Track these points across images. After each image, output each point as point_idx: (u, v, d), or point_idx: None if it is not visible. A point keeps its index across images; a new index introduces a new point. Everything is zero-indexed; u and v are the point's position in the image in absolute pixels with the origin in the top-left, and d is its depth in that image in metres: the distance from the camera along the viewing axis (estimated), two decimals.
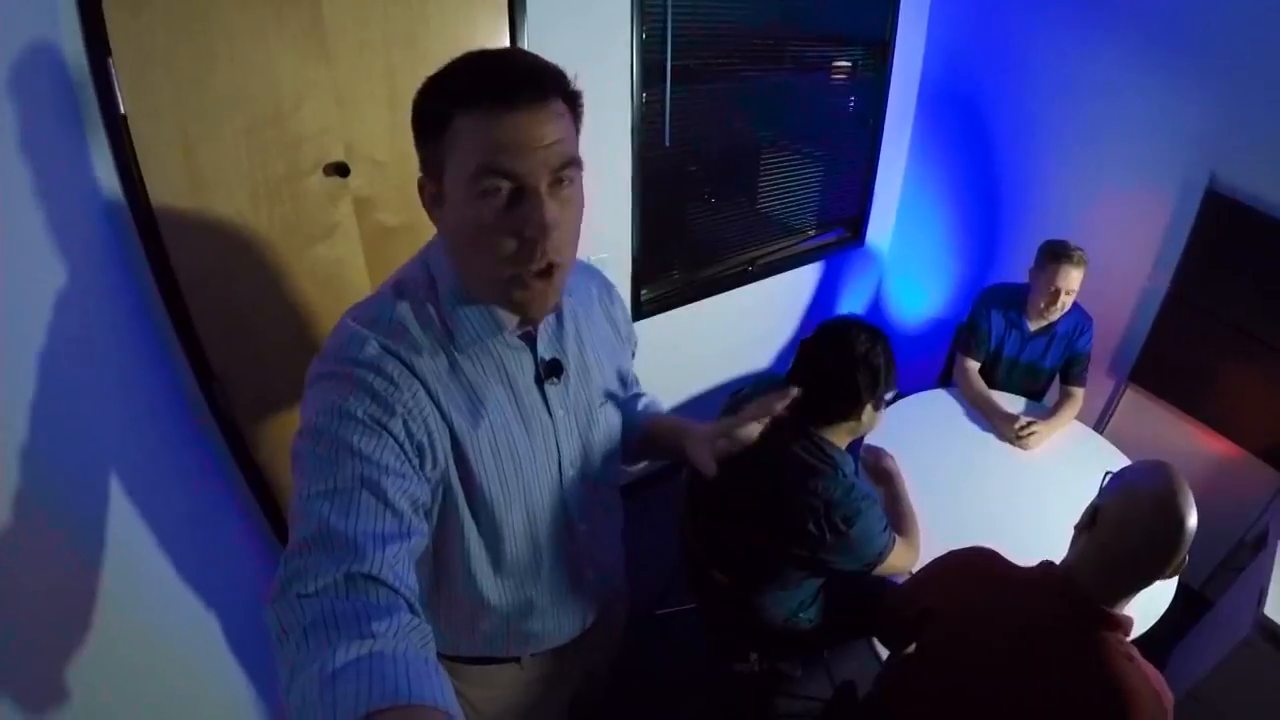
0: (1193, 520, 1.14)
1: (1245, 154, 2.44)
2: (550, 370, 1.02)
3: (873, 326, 1.59)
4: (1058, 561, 1.32)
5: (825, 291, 3.50)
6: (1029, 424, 2.43)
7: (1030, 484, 2.31)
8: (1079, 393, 2.62)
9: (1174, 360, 2.84)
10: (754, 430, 1.08)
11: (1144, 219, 2.76)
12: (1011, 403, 2.64)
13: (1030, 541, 2.04)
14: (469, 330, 0.94)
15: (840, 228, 3.41)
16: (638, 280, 2.62)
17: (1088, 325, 2.62)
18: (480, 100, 0.78)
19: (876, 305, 3.88)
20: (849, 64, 3.00)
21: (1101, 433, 2.75)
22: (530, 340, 1.00)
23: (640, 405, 1.32)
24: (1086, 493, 2.21)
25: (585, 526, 1.15)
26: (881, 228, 3.61)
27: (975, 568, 1.40)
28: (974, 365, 2.68)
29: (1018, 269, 2.69)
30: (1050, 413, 2.55)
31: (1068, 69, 2.82)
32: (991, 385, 2.68)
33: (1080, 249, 2.45)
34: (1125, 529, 1.18)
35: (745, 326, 3.23)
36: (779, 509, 1.60)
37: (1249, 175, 2.44)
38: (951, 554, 1.47)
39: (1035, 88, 2.94)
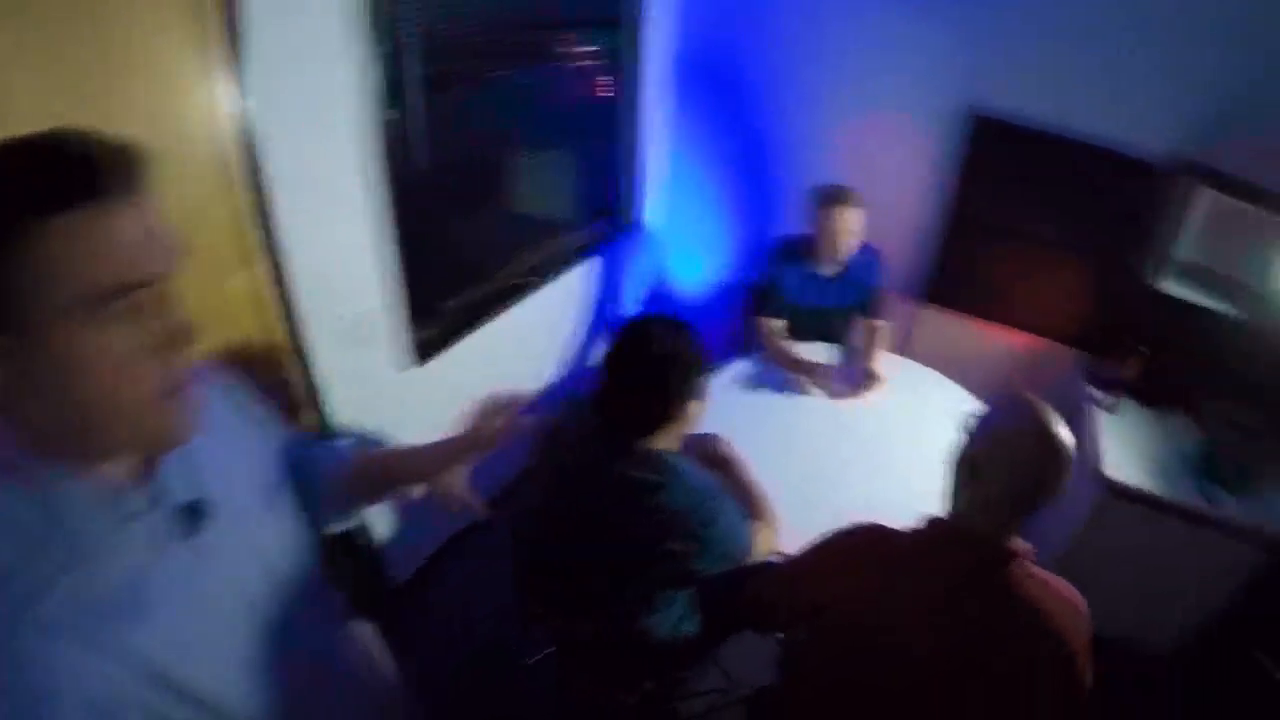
0: (1070, 440, 1.15)
1: (1001, 73, 2.67)
2: (189, 520, 0.78)
3: (669, 319, 1.49)
4: (937, 513, 1.29)
5: (609, 282, 3.41)
6: (863, 380, 2.48)
7: (861, 427, 2.37)
8: (882, 324, 2.73)
9: (961, 273, 3.08)
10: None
11: (915, 146, 2.96)
12: (818, 352, 2.70)
13: (880, 484, 2.10)
14: (86, 528, 0.67)
15: (612, 215, 3.32)
16: (408, 323, 2.28)
17: (875, 259, 2.72)
18: (86, 197, 0.59)
19: (662, 285, 3.86)
20: (601, 47, 2.89)
21: (905, 355, 2.89)
22: (148, 500, 0.74)
23: (336, 447, 1.18)
24: (916, 420, 2.33)
25: (317, 663, 0.96)
26: (655, 207, 3.57)
27: (859, 551, 1.33)
28: (777, 324, 2.70)
29: (802, 219, 2.74)
30: (864, 354, 2.63)
31: (820, 12, 2.91)
32: (794, 338, 2.72)
33: (851, 188, 2.53)
34: (1010, 471, 1.16)
35: (537, 339, 3.05)
36: (627, 539, 1.47)
37: (1007, 93, 2.69)
38: (831, 541, 1.38)
39: (791, 38, 3.02)
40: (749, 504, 1.75)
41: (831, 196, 2.51)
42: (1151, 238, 2.52)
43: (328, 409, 2.00)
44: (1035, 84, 2.63)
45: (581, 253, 3.12)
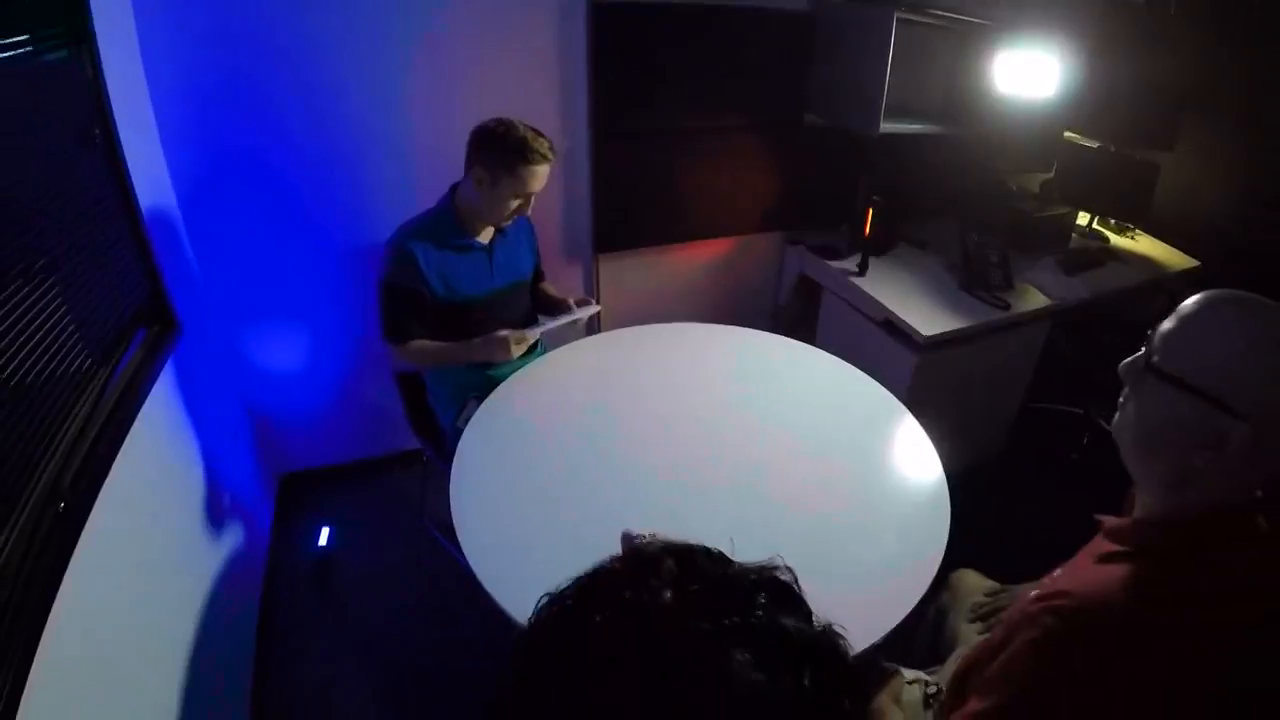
0: None
1: None
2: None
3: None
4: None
5: (196, 420, 1.98)
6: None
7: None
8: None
9: (624, 205, 2.52)
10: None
11: (535, 73, 2.24)
12: None
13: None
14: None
15: (139, 329, 1.82)
16: None
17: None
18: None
19: (265, 391, 2.48)
20: (25, 46, 1.39)
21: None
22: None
23: None
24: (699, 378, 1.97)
25: None
26: (191, 292, 2.11)
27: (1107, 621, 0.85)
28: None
29: (414, 206, 1.99)
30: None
31: None
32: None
33: (544, 137, 1.80)
34: None
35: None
36: None
37: None
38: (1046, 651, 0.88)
39: None
40: None
41: (521, 149, 1.77)
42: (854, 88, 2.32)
43: None
44: None
45: (126, 410, 1.60)
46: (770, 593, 0.48)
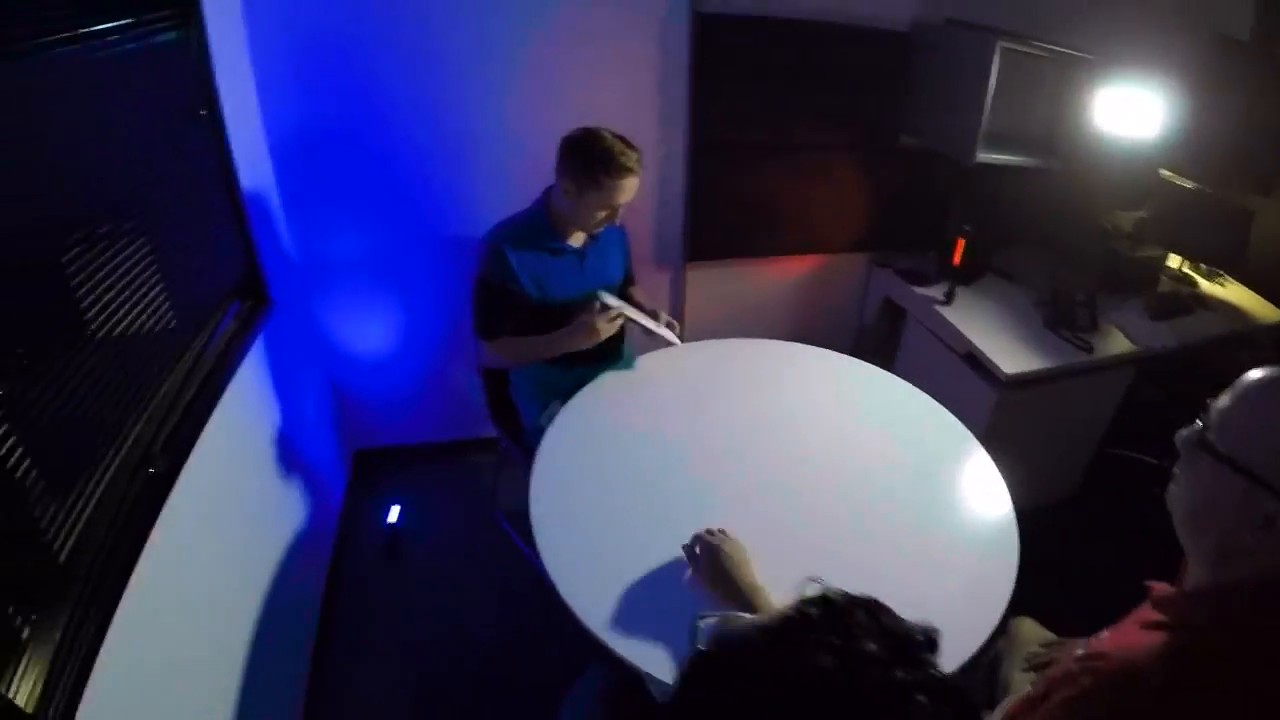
0: None
1: None
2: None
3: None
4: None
5: (281, 393, 2.04)
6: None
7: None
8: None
9: (716, 216, 2.52)
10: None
11: (636, 80, 2.26)
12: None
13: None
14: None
15: (234, 302, 1.88)
16: None
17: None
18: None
19: (346, 369, 2.55)
20: (134, 26, 1.43)
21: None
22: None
23: None
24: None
25: None
26: (284, 268, 2.16)
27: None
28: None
29: (510, 203, 2.02)
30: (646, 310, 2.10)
31: None
32: None
33: (633, 149, 1.79)
34: None
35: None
36: None
37: None
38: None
39: None
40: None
41: (611, 164, 1.75)
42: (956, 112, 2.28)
43: None
44: None
45: (217, 380, 1.66)
46: (929, 647, 0.60)
